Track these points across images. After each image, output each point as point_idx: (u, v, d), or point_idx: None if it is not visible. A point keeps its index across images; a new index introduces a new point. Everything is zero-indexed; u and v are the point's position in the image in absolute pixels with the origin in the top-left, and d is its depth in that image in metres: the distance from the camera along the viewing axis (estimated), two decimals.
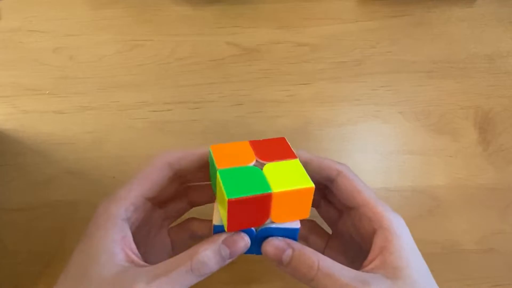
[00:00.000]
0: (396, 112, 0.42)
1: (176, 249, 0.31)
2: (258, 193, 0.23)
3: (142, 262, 0.25)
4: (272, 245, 0.25)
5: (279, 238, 0.25)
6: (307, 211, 0.25)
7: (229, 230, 0.24)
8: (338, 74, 0.43)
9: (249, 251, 0.26)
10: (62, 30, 0.45)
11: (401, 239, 0.25)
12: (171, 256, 0.26)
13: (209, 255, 0.24)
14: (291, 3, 0.46)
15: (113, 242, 0.24)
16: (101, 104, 0.42)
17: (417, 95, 0.42)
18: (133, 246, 0.25)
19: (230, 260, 0.25)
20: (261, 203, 0.24)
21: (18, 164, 0.40)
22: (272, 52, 0.44)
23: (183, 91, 0.42)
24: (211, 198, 0.29)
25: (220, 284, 0.36)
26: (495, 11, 0.46)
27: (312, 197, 0.25)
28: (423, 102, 0.42)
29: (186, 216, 0.32)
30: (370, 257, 0.25)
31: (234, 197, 0.23)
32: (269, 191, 0.23)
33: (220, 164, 0.25)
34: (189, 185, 0.31)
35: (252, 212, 0.24)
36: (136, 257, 0.25)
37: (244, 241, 0.25)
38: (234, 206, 0.23)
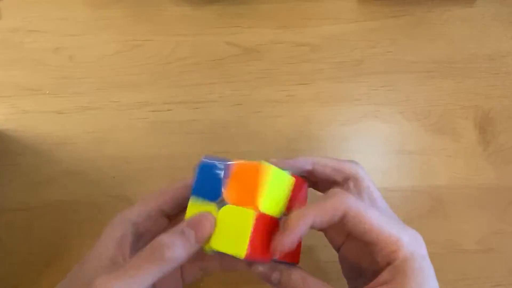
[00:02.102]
0: (396, 112, 0.42)
1: (187, 280, 0.30)
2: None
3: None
4: (260, 269, 0.26)
5: (267, 263, 0.26)
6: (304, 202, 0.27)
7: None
8: (338, 74, 0.43)
9: None
10: (62, 30, 0.45)
11: (411, 277, 0.23)
12: (180, 283, 0.27)
13: (171, 237, 0.23)
14: (291, 3, 0.46)
15: (110, 238, 0.25)
16: (101, 104, 0.42)
17: (417, 95, 0.42)
18: (127, 248, 0.25)
19: (198, 245, 0.23)
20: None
21: (18, 164, 0.40)
22: (272, 52, 0.44)
23: (183, 91, 0.42)
24: None
25: (219, 285, 0.36)
26: (495, 11, 0.46)
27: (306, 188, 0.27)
28: (423, 102, 0.42)
29: None
30: (372, 284, 0.24)
31: None
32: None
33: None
34: None
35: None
36: (122, 259, 0.25)
37: (209, 221, 0.24)
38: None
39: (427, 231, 0.37)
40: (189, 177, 0.26)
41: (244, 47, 0.44)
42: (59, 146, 0.40)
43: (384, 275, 0.24)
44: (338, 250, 0.29)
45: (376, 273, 0.24)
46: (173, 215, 0.28)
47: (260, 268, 0.26)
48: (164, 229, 0.27)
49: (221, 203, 0.24)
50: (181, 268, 0.30)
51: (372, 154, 0.40)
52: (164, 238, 0.23)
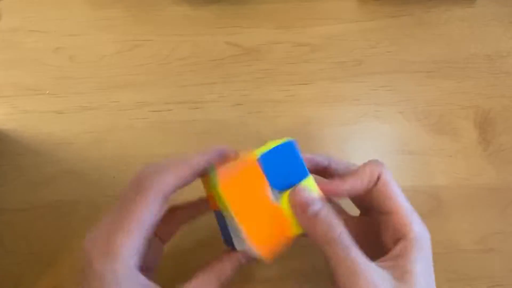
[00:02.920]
0: (396, 112, 0.42)
1: (164, 239, 0.30)
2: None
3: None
4: (303, 195, 0.25)
5: (310, 190, 0.26)
6: None
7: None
8: (338, 74, 0.43)
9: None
10: (62, 30, 0.45)
11: (421, 253, 0.25)
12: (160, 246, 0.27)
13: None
14: (291, 3, 0.46)
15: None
16: (101, 104, 0.42)
17: (417, 95, 0.42)
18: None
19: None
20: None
21: (18, 164, 0.40)
22: (272, 52, 0.44)
23: (183, 91, 0.42)
24: None
25: None
26: (495, 11, 0.46)
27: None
28: (423, 102, 0.42)
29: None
30: (384, 258, 0.25)
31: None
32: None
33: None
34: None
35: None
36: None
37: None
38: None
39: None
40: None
41: (244, 47, 0.44)
42: (59, 146, 0.40)
43: (397, 249, 0.25)
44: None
45: (384, 249, 0.26)
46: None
47: (306, 193, 0.25)
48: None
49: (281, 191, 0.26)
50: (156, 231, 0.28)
51: (372, 154, 0.40)
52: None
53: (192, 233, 0.33)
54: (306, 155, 0.29)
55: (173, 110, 0.42)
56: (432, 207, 0.38)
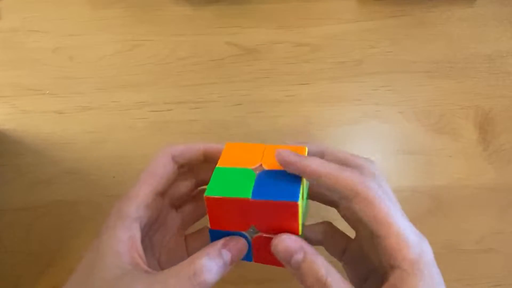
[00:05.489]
0: (396, 112, 0.42)
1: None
2: (236, 196, 0.23)
3: (145, 267, 0.24)
4: (284, 245, 0.23)
5: (293, 237, 0.23)
6: (296, 227, 0.23)
7: (212, 227, 0.24)
8: (338, 74, 0.43)
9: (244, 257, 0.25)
10: (62, 30, 0.45)
11: (420, 280, 0.22)
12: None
13: (210, 261, 0.23)
14: (291, 3, 0.46)
15: (120, 242, 0.24)
16: (101, 104, 0.42)
17: (417, 95, 0.42)
18: (140, 247, 0.24)
19: (231, 266, 0.24)
20: (240, 207, 0.23)
21: (18, 164, 0.40)
22: (272, 52, 0.44)
23: (183, 91, 0.42)
24: None
25: (219, 285, 0.36)
26: (495, 11, 0.46)
27: (298, 213, 0.22)
28: (423, 102, 0.42)
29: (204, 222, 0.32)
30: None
31: (212, 195, 0.23)
32: (247, 197, 0.23)
33: (222, 163, 0.25)
34: (203, 188, 0.30)
35: (233, 215, 0.24)
36: (140, 259, 0.24)
37: (242, 243, 0.24)
38: (211, 204, 0.23)
39: (427, 231, 0.37)
40: (165, 148, 0.27)
41: (244, 47, 0.44)
42: (59, 146, 0.40)
43: (392, 280, 0.22)
44: (340, 258, 0.29)
45: (383, 276, 0.23)
46: (164, 192, 0.28)
47: (283, 243, 0.23)
48: (161, 208, 0.27)
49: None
50: (185, 238, 0.30)
51: (372, 154, 0.40)
52: (204, 261, 0.22)
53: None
54: (298, 144, 0.27)
55: (173, 110, 0.42)
56: (432, 207, 0.38)
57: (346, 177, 0.23)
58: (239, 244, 0.24)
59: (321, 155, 0.27)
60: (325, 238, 0.29)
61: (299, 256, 0.22)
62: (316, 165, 0.23)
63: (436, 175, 0.39)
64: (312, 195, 0.29)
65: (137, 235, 0.25)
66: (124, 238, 0.24)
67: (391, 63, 0.44)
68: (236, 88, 0.42)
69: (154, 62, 0.44)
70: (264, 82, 0.43)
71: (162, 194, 0.27)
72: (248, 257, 0.26)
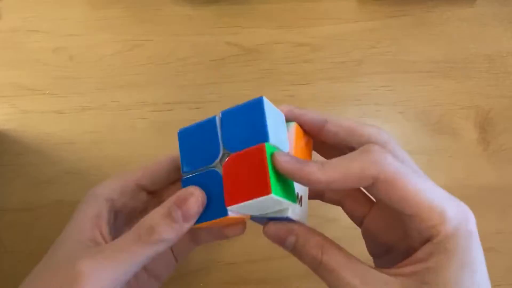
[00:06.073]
0: (396, 112, 0.42)
1: (179, 256, 0.28)
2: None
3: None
4: (273, 231, 0.22)
5: (281, 222, 0.22)
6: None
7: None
8: (338, 74, 0.43)
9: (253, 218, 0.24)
10: (62, 30, 0.45)
11: (452, 257, 0.19)
12: (172, 262, 0.26)
13: (158, 218, 0.21)
14: (291, 3, 0.46)
15: (85, 217, 0.24)
16: (101, 104, 0.42)
17: (417, 95, 0.42)
18: (105, 227, 0.24)
19: (188, 225, 0.21)
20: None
21: (18, 164, 0.40)
22: (272, 52, 0.44)
23: (183, 91, 0.42)
24: None
25: (219, 285, 0.36)
26: (495, 11, 0.46)
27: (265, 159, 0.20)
28: (423, 102, 0.42)
29: None
30: (403, 263, 0.21)
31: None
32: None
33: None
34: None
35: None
36: (102, 238, 0.23)
37: (194, 197, 0.21)
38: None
39: None
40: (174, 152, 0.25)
41: (244, 47, 0.44)
42: (59, 146, 0.40)
43: (421, 253, 0.20)
44: (360, 224, 0.26)
45: (410, 249, 0.21)
46: (155, 190, 0.27)
47: (273, 228, 0.22)
48: (144, 204, 0.27)
49: (224, 158, 0.22)
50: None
51: None
52: (152, 219, 0.21)
53: None
54: (295, 110, 0.24)
55: (173, 110, 0.42)
56: None
57: (358, 171, 0.20)
58: (190, 197, 0.21)
59: (323, 124, 0.24)
60: (344, 199, 0.27)
61: (291, 239, 0.22)
62: (321, 172, 0.20)
63: (436, 175, 0.39)
64: (312, 195, 0.27)
65: (105, 214, 0.24)
66: (90, 215, 0.24)
67: (391, 63, 0.44)
68: (236, 88, 0.42)
69: (154, 62, 0.44)
70: (264, 82, 0.43)
71: (148, 191, 0.27)
72: (219, 212, 0.22)
